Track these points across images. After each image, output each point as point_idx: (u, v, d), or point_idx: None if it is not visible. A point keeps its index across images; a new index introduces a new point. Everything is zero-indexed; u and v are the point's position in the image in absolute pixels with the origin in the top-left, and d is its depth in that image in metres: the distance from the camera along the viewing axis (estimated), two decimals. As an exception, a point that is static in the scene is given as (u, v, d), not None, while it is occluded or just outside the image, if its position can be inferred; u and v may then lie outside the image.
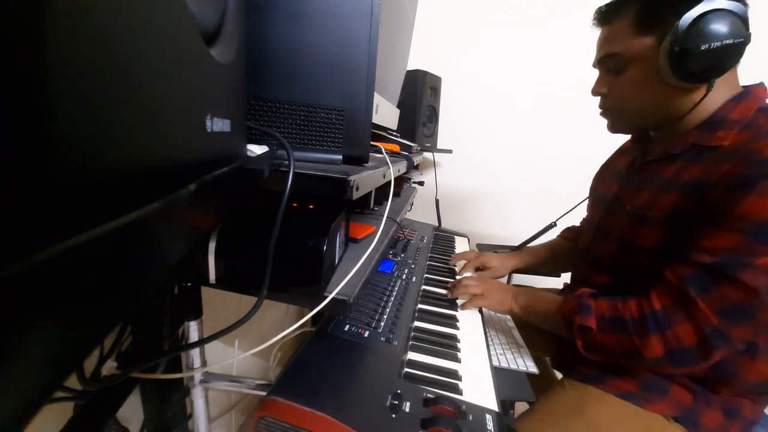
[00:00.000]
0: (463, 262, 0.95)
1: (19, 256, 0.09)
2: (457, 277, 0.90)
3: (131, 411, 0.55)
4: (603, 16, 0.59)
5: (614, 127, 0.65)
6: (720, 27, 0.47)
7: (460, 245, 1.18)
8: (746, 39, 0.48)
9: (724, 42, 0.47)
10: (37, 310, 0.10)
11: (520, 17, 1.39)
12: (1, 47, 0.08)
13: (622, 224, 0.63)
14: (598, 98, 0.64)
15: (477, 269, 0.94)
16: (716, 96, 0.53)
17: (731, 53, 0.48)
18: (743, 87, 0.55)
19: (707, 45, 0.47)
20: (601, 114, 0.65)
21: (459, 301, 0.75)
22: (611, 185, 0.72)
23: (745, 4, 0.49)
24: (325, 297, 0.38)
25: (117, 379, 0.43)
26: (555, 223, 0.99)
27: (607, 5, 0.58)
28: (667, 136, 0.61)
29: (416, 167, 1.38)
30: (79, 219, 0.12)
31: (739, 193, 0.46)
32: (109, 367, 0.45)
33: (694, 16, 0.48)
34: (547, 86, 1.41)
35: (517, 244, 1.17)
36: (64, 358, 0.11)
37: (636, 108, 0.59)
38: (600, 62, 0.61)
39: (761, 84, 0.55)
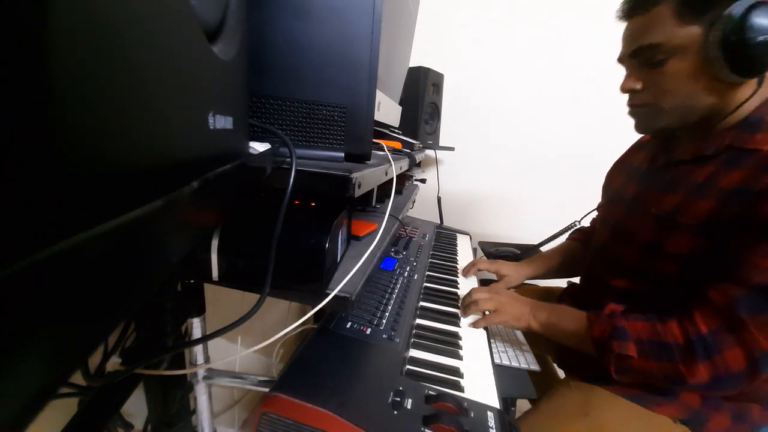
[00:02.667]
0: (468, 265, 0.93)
1: (21, 254, 0.09)
2: (465, 280, 0.90)
3: (135, 407, 0.56)
4: (636, 5, 0.53)
5: (645, 127, 0.60)
6: None
7: (462, 243, 1.18)
8: None
9: None
10: (40, 308, 0.10)
11: (524, 13, 1.38)
12: (4, 43, 0.08)
13: (647, 228, 0.59)
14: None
15: (485, 282, 0.91)
16: (757, 94, 0.50)
17: None
18: None
19: (765, 36, 0.43)
20: (630, 112, 0.60)
21: (469, 318, 0.69)
22: (629, 184, 0.68)
23: None
24: (327, 294, 0.38)
25: (121, 375, 0.43)
26: (578, 222, 0.95)
27: None
28: (697, 136, 0.56)
29: (418, 165, 1.38)
30: (82, 216, 0.12)
31: None
32: (114, 363, 0.45)
33: (750, 3, 0.44)
34: (551, 83, 1.40)
35: (519, 241, 1.17)
36: (68, 356, 0.11)
37: (678, 104, 0.53)
38: (633, 55, 0.55)
39: None
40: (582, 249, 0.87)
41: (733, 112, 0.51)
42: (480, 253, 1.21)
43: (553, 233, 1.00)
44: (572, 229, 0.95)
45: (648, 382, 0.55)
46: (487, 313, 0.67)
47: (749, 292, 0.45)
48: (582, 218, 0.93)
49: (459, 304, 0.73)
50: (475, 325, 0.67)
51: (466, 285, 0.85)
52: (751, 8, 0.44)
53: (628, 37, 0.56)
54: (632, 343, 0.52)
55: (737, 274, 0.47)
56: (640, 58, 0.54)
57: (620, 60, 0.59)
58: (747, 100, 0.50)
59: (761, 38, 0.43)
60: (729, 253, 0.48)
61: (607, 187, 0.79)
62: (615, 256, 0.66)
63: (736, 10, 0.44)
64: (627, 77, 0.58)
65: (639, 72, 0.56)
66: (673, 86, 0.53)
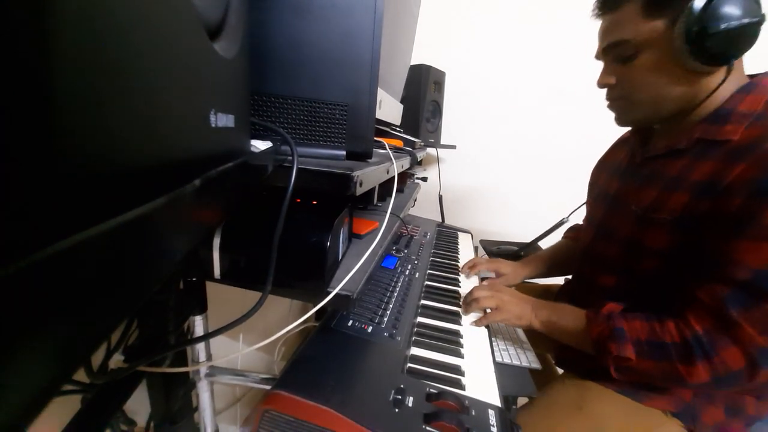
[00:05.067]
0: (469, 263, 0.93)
1: (24, 253, 0.09)
2: (467, 278, 0.90)
3: (138, 404, 0.56)
4: (606, 4, 0.56)
5: (624, 120, 0.62)
6: (736, 6, 0.46)
7: (464, 241, 1.18)
8: (762, 19, 0.47)
9: (742, 21, 0.46)
10: (44, 306, 0.10)
11: (526, 11, 1.37)
12: (6, 44, 0.08)
13: (628, 225, 0.60)
14: (604, 91, 0.61)
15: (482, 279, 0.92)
16: (725, 86, 0.51)
17: (749, 33, 0.47)
18: (749, 77, 0.53)
19: (726, 24, 0.46)
20: (609, 106, 0.62)
21: (471, 316, 0.69)
22: (611, 181, 0.69)
23: None
24: (329, 292, 0.38)
25: (124, 372, 0.43)
26: (565, 219, 0.97)
27: None
28: (671, 130, 0.58)
29: (419, 163, 1.37)
30: (85, 215, 0.12)
31: (763, 200, 0.44)
32: (117, 360, 0.46)
33: None
34: (553, 81, 1.40)
35: (520, 240, 1.17)
36: (71, 354, 0.11)
37: (650, 96, 0.56)
38: (606, 52, 0.58)
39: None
40: (576, 246, 0.87)
41: (702, 103, 0.53)
42: (481, 251, 1.21)
43: (545, 230, 1.02)
44: (561, 225, 0.97)
45: (648, 382, 0.55)
46: (488, 311, 0.67)
47: (734, 289, 0.46)
48: (569, 215, 0.94)
49: (460, 302, 0.73)
50: (476, 323, 0.67)
51: (467, 283, 0.85)
52: (709, 5, 0.46)
53: (602, 34, 0.58)
54: (630, 344, 0.52)
55: (720, 271, 0.47)
56: (613, 53, 0.56)
57: (597, 57, 0.61)
58: (717, 88, 0.51)
59: (723, 26, 0.46)
60: (709, 250, 0.49)
61: (592, 185, 0.80)
62: (599, 255, 0.67)
63: (697, 2, 0.47)
64: (602, 73, 0.60)
65: (613, 67, 0.58)
66: (643, 79, 0.55)
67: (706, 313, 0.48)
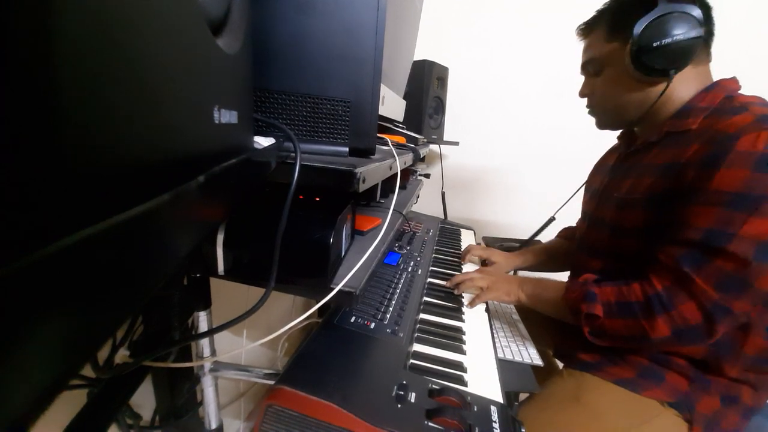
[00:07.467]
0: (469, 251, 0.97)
1: (28, 249, 0.09)
2: (463, 270, 0.90)
3: (144, 398, 0.57)
4: (582, 31, 0.69)
5: (600, 123, 0.73)
6: (670, 26, 0.54)
7: (466, 238, 1.18)
8: (703, 35, 0.54)
9: (674, 38, 0.54)
10: (48, 303, 0.10)
11: (529, 6, 1.36)
12: (8, 41, 0.08)
13: (611, 211, 0.68)
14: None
15: (483, 263, 0.96)
16: (688, 89, 0.60)
17: (683, 48, 0.55)
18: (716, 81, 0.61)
19: (659, 42, 0.55)
20: (589, 113, 0.73)
21: (465, 299, 0.75)
22: (602, 180, 0.78)
23: (704, 5, 0.56)
24: (332, 289, 0.38)
25: (129, 367, 0.44)
26: (554, 217, 1.00)
27: (584, 22, 0.68)
28: (647, 129, 0.68)
29: (422, 159, 1.37)
30: (89, 211, 0.12)
31: (710, 169, 0.50)
32: (122, 355, 0.46)
33: (649, 20, 0.55)
34: (556, 77, 1.39)
35: (522, 237, 1.16)
36: (77, 350, 0.12)
37: (614, 104, 0.67)
38: (583, 68, 0.70)
39: (733, 77, 0.60)
40: (568, 245, 0.95)
41: (660, 104, 0.61)
42: (484, 248, 1.21)
43: (537, 229, 1.04)
44: (551, 223, 1.02)
45: (619, 344, 0.59)
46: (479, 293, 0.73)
47: (688, 249, 0.52)
48: (556, 212, 0.98)
49: (449, 285, 0.77)
50: (470, 304, 0.72)
51: (469, 280, 0.85)
52: (646, 27, 0.56)
53: (582, 54, 0.70)
54: (599, 304, 0.57)
55: (676, 234, 0.53)
56: (588, 69, 0.69)
57: (580, 72, 0.72)
58: (662, 94, 0.60)
59: (654, 44, 0.55)
60: (669, 219, 0.56)
61: (588, 187, 0.88)
62: (591, 242, 0.74)
63: (637, 28, 0.56)
64: (582, 85, 0.72)
65: (589, 80, 0.70)
66: (607, 90, 0.66)
67: (665, 272, 0.53)
